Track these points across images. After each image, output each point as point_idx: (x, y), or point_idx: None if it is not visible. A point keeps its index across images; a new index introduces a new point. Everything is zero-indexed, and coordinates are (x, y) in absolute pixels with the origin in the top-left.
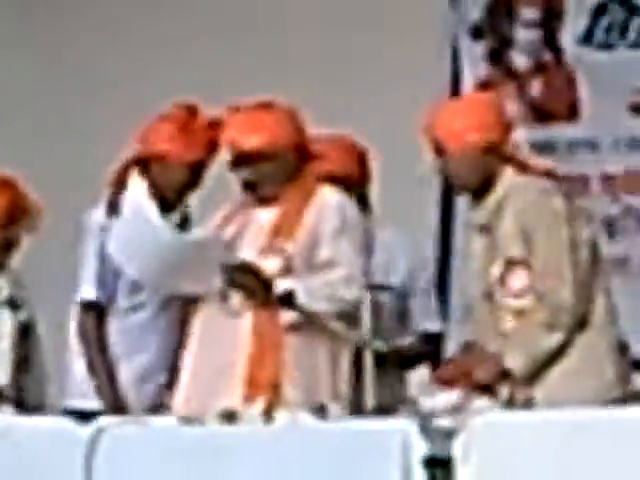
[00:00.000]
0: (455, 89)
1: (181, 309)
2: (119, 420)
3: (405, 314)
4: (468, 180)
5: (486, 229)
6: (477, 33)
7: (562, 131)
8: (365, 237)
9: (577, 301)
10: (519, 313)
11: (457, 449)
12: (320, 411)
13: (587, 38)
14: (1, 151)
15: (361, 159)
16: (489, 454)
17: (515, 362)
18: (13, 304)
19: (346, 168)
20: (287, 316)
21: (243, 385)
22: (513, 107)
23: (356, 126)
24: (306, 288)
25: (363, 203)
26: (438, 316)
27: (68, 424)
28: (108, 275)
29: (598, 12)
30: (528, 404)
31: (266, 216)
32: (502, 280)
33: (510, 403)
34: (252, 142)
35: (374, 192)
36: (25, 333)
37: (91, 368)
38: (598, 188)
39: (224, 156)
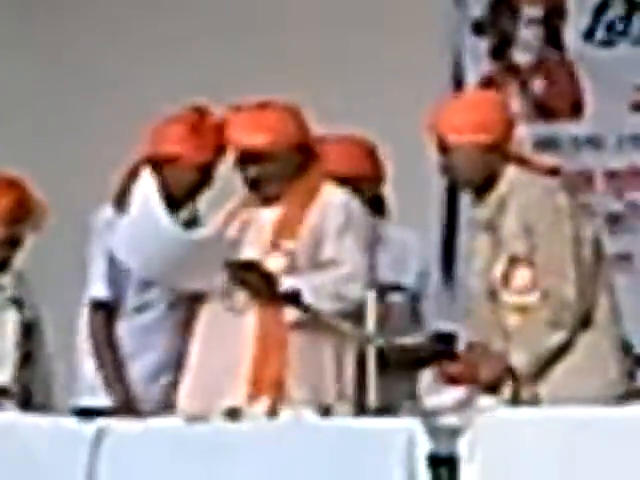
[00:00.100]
0: (458, 86)
1: (189, 308)
2: (123, 418)
3: (417, 313)
4: (471, 177)
5: (490, 227)
6: (480, 30)
7: (565, 128)
8: (370, 235)
9: (581, 299)
10: (523, 310)
11: (462, 447)
12: (324, 409)
13: (589, 35)
14: (1, 151)
15: (374, 159)
16: (494, 452)
17: (519, 360)
18: (17, 303)
19: (358, 168)
20: (291, 314)
21: (247, 384)
22: (516, 104)
23: (358, 125)
24: (310, 286)
25: (378, 203)
26: (450, 315)
27: (72, 422)
28: (117, 274)
29: (600, 9)
30: (533, 402)
31: (270, 215)
32: (505, 277)
33: (515, 401)
34: (256, 141)
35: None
36: (29, 332)
37: (100, 367)
38: (602, 185)
39: (229, 156)
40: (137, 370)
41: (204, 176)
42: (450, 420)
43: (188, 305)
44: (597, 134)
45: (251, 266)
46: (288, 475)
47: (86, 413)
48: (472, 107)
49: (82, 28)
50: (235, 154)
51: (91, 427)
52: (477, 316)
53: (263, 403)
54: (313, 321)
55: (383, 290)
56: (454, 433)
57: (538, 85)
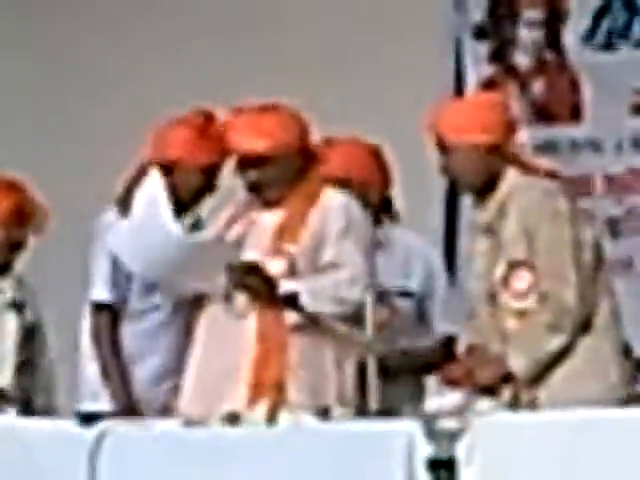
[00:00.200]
0: (458, 89)
1: (192, 312)
2: (123, 422)
3: (424, 317)
4: (472, 179)
5: (490, 230)
6: (480, 33)
7: (565, 131)
8: (371, 238)
9: (580, 303)
10: (522, 314)
11: (461, 450)
12: (324, 413)
13: (590, 39)
14: (1, 151)
15: (380, 162)
16: (493, 455)
17: (518, 364)
18: (17, 306)
19: (365, 172)
20: (292, 317)
21: (248, 387)
22: (516, 107)
23: (357, 126)
24: (309, 289)
25: (387, 206)
26: (455, 319)
27: (72, 426)
28: (120, 276)
29: (601, 13)
30: (532, 406)
31: (271, 218)
32: (505, 281)
33: (514, 404)
34: (257, 146)
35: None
36: (30, 335)
37: (104, 370)
38: (601, 189)
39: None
40: (140, 374)
41: (208, 180)
42: (449, 423)
43: (191, 309)
44: (597, 137)
45: (252, 269)
46: (288, 479)
47: (89, 418)
48: (473, 108)
49: (82, 28)
50: (236, 158)
51: (91, 430)
52: (477, 319)
53: (263, 407)
54: (312, 324)
55: (387, 294)
56: (453, 436)
57: (538, 88)
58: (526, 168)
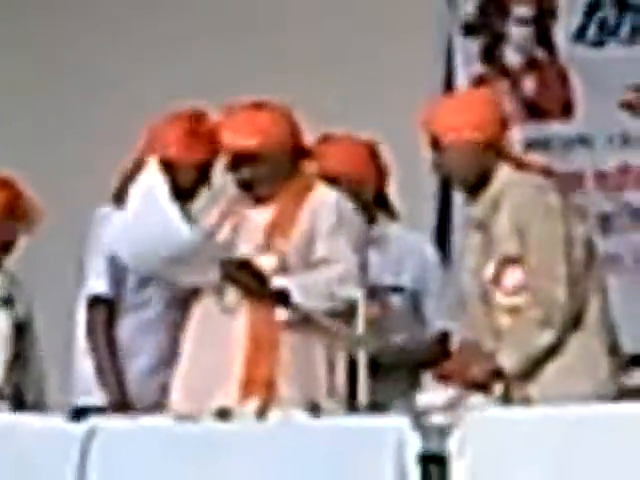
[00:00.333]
0: (448, 88)
1: (185, 308)
2: (114, 417)
3: (417, 313)
4: (465, 175)
5: (482, 225)
6: (470, 30)
7: (556, 128)
8: (362, 235)
9: (571, 299)
10: (513, 310)
11: (452, 445)
12: (315, 409)
13: (580, 35)
14: (0, 151)
15: (377, 159)
16: (484, 450)
17: (508, 360)
18: (8, 302)
19: (361, 169)
20: (283, 314)
21: (239, 384)
22: (507, 104)
23: (354, 125)
24: (300, 286)
25: (383, 203)
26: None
27: (62, 421)
28: (116, 271)
29: (591, 9)
30: (523, 401)
31: (262, 215)
32: (497, 277)
33: (505, 400)
34: (248, 143)
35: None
36: (21, 331)
37: (98, 365)
38: (592, 185)
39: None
40: (134, 368)
41: (201, 177)
42: (440, 418)
43: (184, 305)
44: (587, 134)
45: (243, 265)
46: (279, 474)
47: (83, 413)
48: (466, 105)
49: (82, 28)
50: (227, 156)
51: (82, 426)
52: (470, 315)
53: (253, 403)
54: (303, 321)
55: (379, 290)
56: (444, 431)
57: (528, 85)
58: (519, 164)
